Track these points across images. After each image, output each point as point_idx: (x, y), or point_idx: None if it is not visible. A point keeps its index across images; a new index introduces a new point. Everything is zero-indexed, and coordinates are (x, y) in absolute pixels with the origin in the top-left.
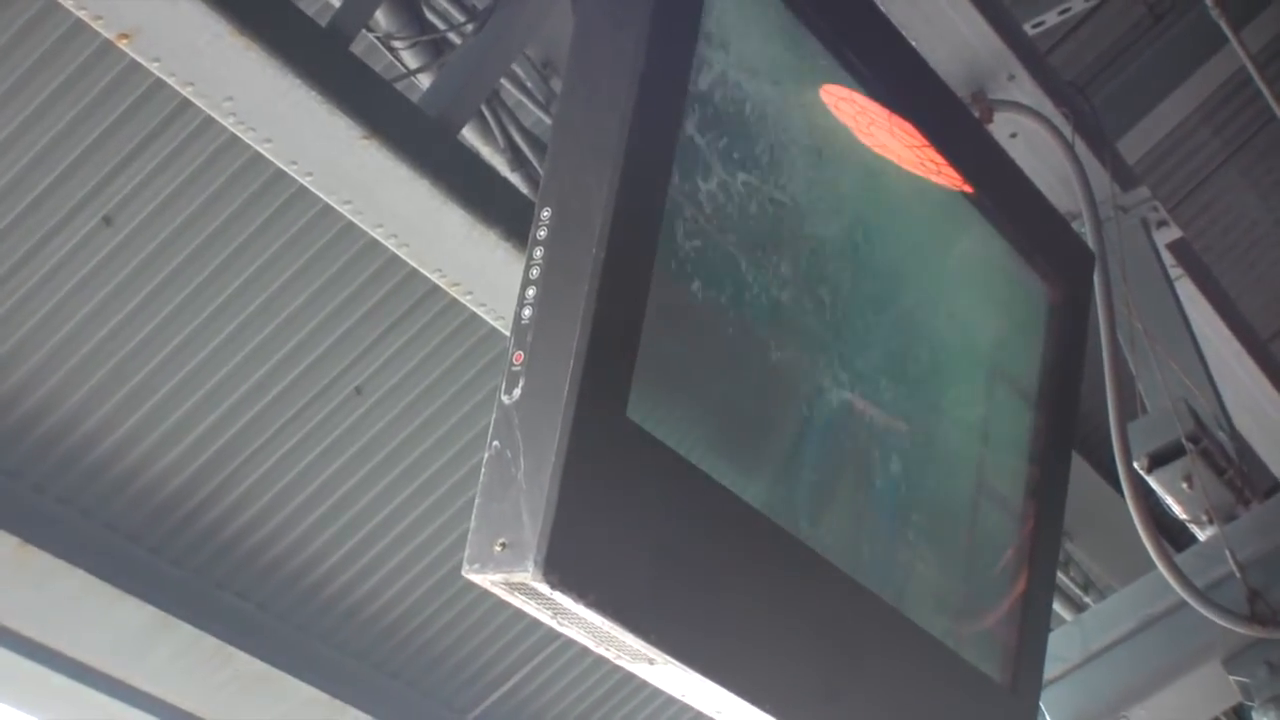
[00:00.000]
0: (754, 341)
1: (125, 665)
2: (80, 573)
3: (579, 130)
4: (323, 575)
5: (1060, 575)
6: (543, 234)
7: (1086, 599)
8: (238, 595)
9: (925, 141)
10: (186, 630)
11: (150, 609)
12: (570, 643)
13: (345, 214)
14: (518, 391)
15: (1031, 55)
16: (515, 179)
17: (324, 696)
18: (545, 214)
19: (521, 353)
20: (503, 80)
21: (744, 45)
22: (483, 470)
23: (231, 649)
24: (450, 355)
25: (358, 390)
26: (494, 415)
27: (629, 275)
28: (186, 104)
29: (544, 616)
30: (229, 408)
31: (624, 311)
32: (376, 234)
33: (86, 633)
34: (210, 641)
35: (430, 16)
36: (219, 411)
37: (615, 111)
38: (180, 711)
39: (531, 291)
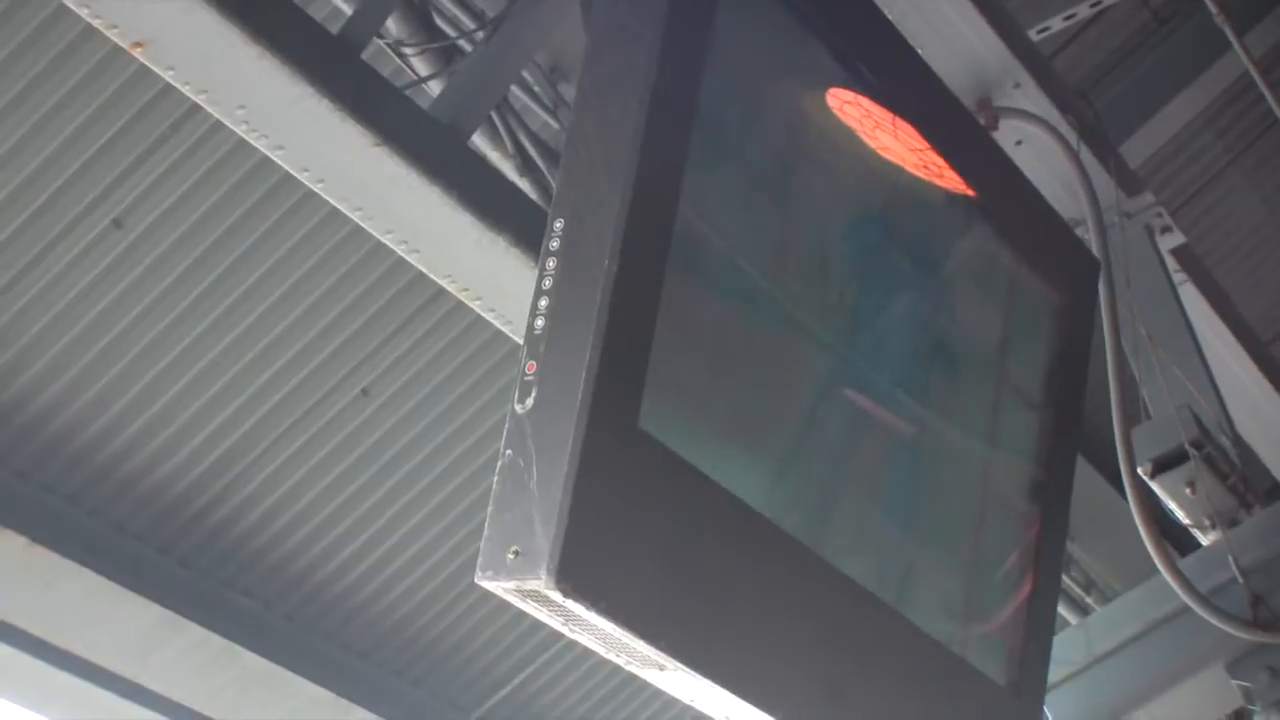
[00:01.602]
0: (764, 349)
1: (133, 664)
2: (88, 573)
3: (592, 142)
4: (329, 575)
5: (1064, 576)
6: (555, 245)
7: (1089, 599)
8: (245, 594)
9: (930, 146)
10: (194, 630)
11: (158, 609)
12: (573, 644)
13: (355, 220)
14: (531, 401)
15: (1037, 63)
16: (524, 184)
17: (329, 696)
18: (558, 225)
19: (534, 363)
20: (512, 87)
21: (752, 52)
22: (495, 479)
23: (238, 648)
24: (457, 357)
25: (364, 392)
26: (507, 425)
27: (641, 287)
28: (196, 109)
29: (556, 623)
30: (237, 408)
31: (636, 323)
32: (387, 240)
33: (94, 632)
34: (217, 641)
35: (440, 23)
36: (227, 412)
37: (628, 124)
38: (187, 710)
39: (544, 302)
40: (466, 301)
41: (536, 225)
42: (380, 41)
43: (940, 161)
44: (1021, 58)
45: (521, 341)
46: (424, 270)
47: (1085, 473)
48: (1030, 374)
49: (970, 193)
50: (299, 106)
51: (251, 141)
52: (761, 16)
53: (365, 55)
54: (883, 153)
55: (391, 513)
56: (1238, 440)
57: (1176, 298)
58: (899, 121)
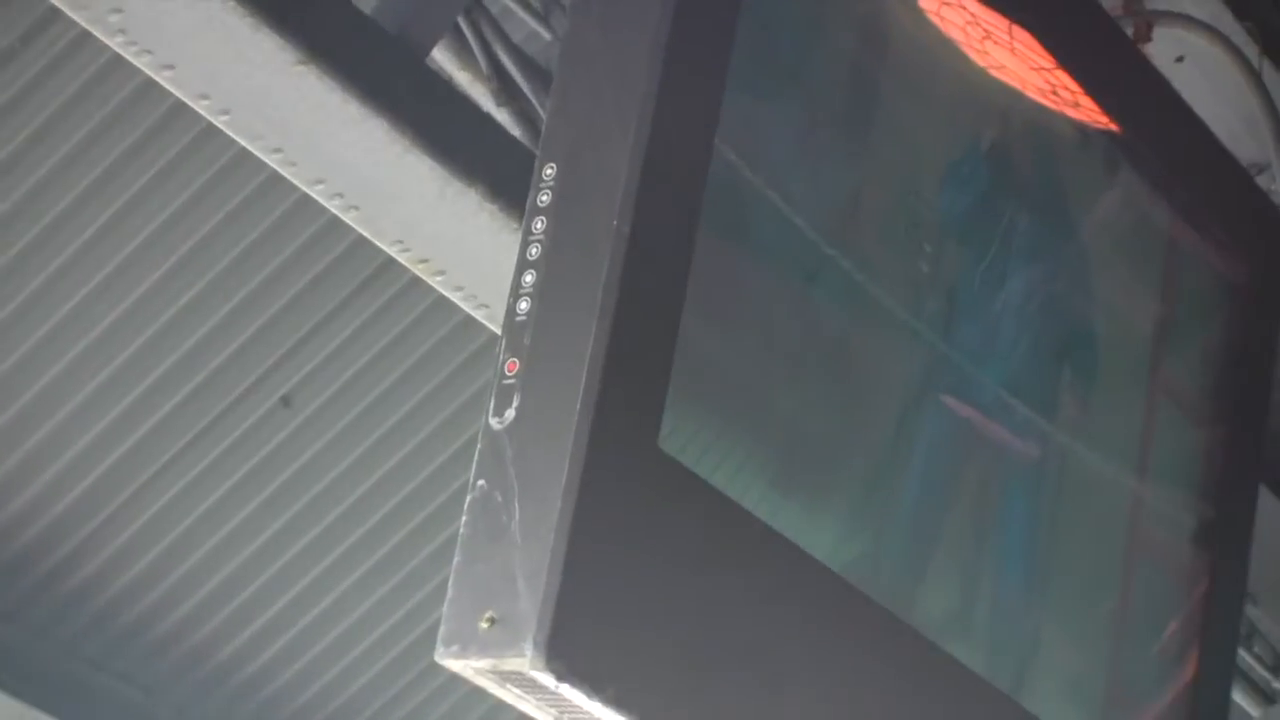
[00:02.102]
0: (830, 341)
1: None
2: None
3: (596, 57)
4: (235, 655)
5: (1242, 653)
6: (545, 199)
7: (1276, 684)
8: (120, 679)
9: (1059, 64)
10: None
11: (7, 700)
12: None
13: (273, 165)
14: (511, 413)
15: None
16: (503, 116)
17: None
18: (549, 172)
19: (516, 360)
20: None
21: None
22: (464, 519)
23: None
24: (411, 353)
25: (285, 401)
26: (479, 445)
27: (663, 255)
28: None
29: (545, 716)
30: (106, 428)
31: (656, 305)
32: (315, 193)
33: None
34: None
35: None
36: (92, 433)
37: (645, 28)
38: None
39: (530, 277)
40: (424, 276)
41: (519, 172)
42: None
43: (1073, 85)
44: None
45: (499, 331)
46: (366, 234)
47: (1271, 509)
48: (1196, 377)
49: (1114, 128)
50: (195, 10)
51: (130, 58)
52: None
53: None
54: (994, 72)
55: (321, 568)
56: None
57: None
58: (1016, 29)
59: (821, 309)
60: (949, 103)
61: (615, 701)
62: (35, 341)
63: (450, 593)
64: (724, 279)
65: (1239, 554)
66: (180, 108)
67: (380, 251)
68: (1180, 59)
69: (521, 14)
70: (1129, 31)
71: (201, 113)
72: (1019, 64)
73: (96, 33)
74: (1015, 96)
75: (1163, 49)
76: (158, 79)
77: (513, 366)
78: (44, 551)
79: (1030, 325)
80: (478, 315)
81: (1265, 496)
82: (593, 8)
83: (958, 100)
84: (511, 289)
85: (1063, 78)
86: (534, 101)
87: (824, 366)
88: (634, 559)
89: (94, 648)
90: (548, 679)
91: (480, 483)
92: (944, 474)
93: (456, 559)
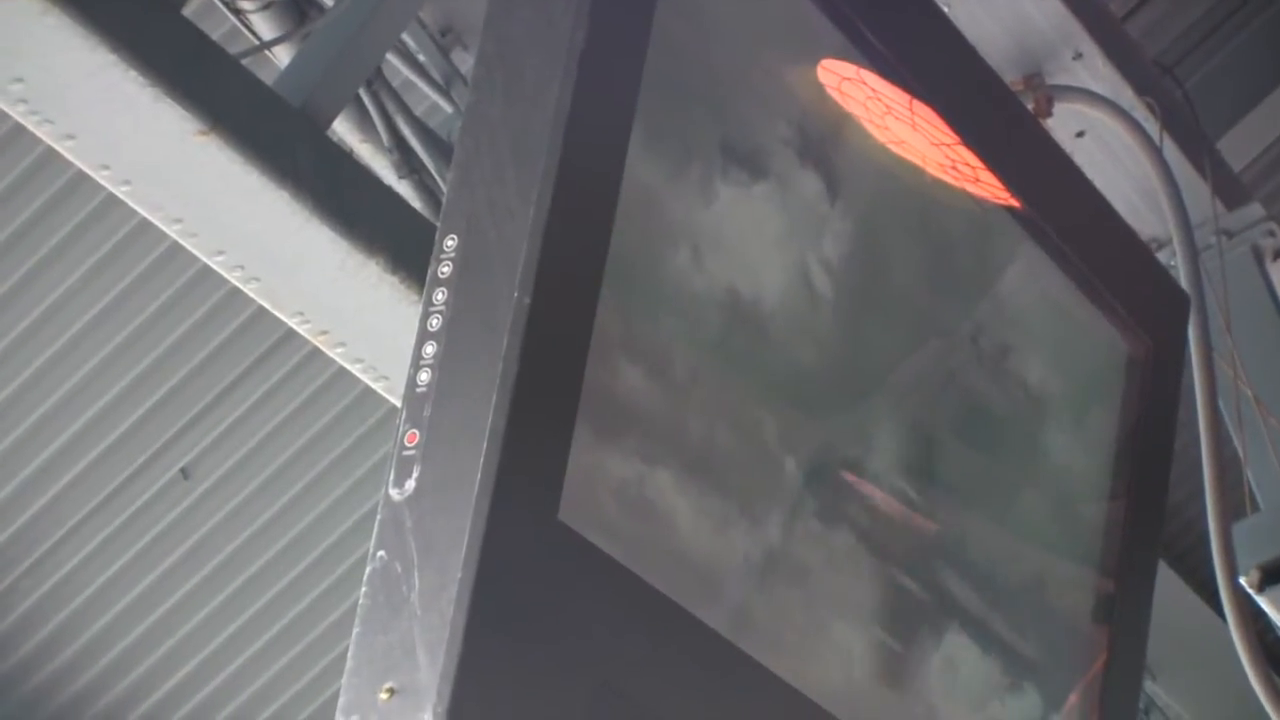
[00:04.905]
0: (733, 413)
1: None
2: None
3: (497, 129)
4: None
5: None
6: (446, 271)
7: None
8: None
9: (960, 139)
10: None
11: None
12: None
13: (174, 235)
14: (411, 484)
15: (1105, 26)
16: (404, 188)
17: None
18: (450, 244)
19: (416, 431)
20: (389, 55)
21: (716, 8)
22: (364, 590)
23: None
24: (311, 425)
25: (184, 473)
26: (380, 516)
27: (564, 326)
28: None
29: None
30: (5, 498)
31: (557, 375)
32: (216, 263)
33: None
34: None
35: None
36: None
37: (547, 101)
38: None
39: (430, 348)
40: (325, 348)
41: (420, 245)
42: None
43: (974, 159)
44: (1084, 18)
45: (399, 403)
46: (267, 305)
47: (1171, 585)
48: (1096, 451)
49: (1014, 202)
50: (97, 79)
51: (32, 128)
52: None
53: (189, 11)
54: (894, 148)
55: (222, 639)
56: None
57: None
58: (918, 105)
59: (726, 378)
60: (849, 178)
61: None
62: None
63: (350, 664)
64: (626, 348)
65: (1138, 629)
66: (81, 178)
67: (281, 323)
68: (1081, 134)
69: (423, 86)
70: (1030, 106)
71: (102, 183)
72: (920, 139)
73: None
74: (915, 172)
75: (1063, 124)
76: (59, 148)
77: (413, 438)
78: None
79: (928, 401)
80: (377, 387)
81: (1163, 571)
82: (495, 80)
83: (857, 176)
84: (412, 360)
85: (964, 153)
86: (435, 174)
87: (730, 441)
88: (534, 630)
89: None
90: None
91: (380, 554)
92: (842, 547)
93: (356, 629)
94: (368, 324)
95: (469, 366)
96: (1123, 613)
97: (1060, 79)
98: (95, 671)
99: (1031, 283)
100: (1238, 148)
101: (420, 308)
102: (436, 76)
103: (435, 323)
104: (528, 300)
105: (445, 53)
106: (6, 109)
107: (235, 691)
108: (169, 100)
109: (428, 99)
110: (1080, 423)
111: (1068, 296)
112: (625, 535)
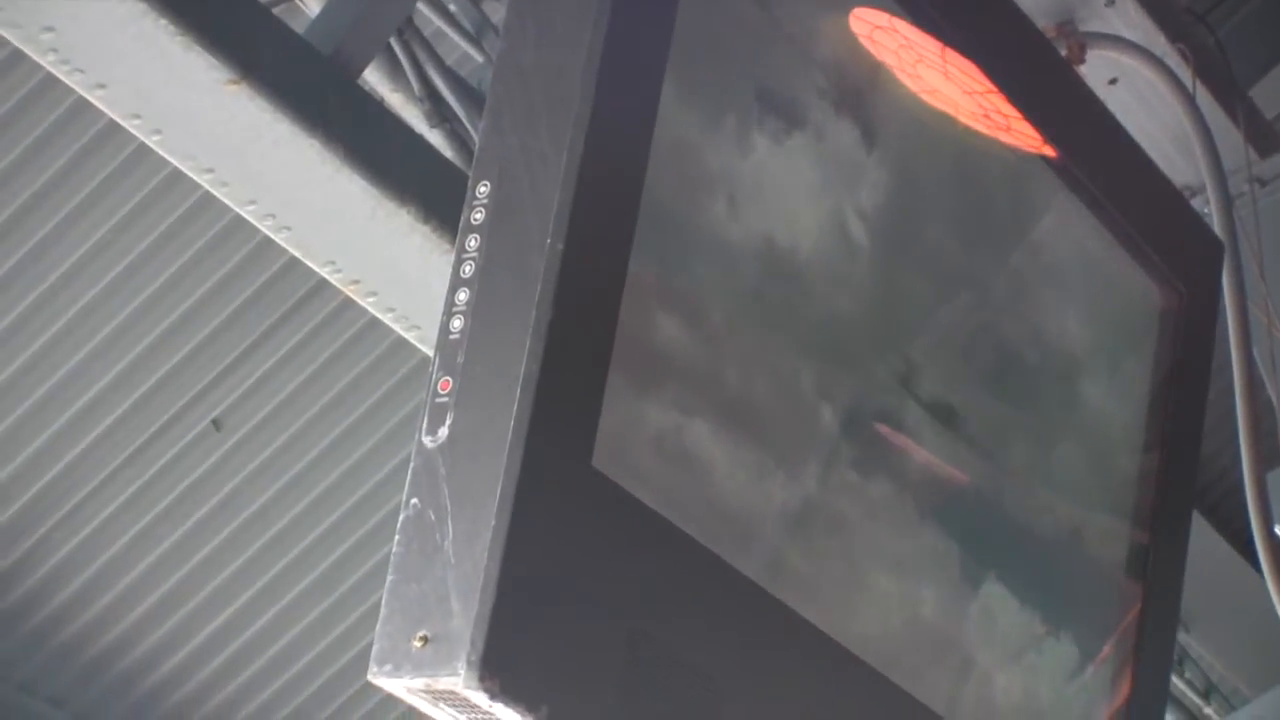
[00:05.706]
0: (769, 362)
1: None
2: None
3: (529, 76)
4: (161, 682)
5: (1174, 679)
6: (479, 217)
7: (1207, 709)
8: (50, 702)
9: (993, 87)
10: None
11: None
12: None
13: (205, 185)
14: (444, 431)
15: None
16: (435, 137)
17: None
18: (483, 190)
19: (449, 379)
20: (419, 4)
21: None
22: (397, 539)
23: None
24: (343, 375)
25: (215, 424)
26: (412, 464)
27: (597, 273)
28: None
29: None
30: (37, 451)
31: (591, 323)
32: (247, 214)
33: None
34: None
35: None
36: (22, 458)
37: (579, 46)
38: None
39: (463, 295)
40: (356, 298)
41: (452, 194)
42: None
43: (1007, 108)
44: None
45: (432, 351)
46: (298, 255)
47: (1204, 535)
48: (1129, 402)
49: (1048, 151)
50: (127, 30)
51: (63, 78)
52: None
53: None
54: (927, 97)
55: (254, 591)
56: None
57: None
58: (950, 53)
59: (760, 327)
60: (882, 126)
61: None
62: None
63: (383, 612)
64: (660, 296)
65: (1172, 580)
66: (112, 130)
67: (312, 274)
68: (1114, 81)
69: (454, 36)
70: (1063, 53)
71: (134, 132)
72: (952, 88)
73: (28, 51)
74: (948, 120)
75: (1096, 71)
76: (90, 98)
77: (446, 385)
78: None
79: (966, 349)
80: (409, 337)
81: (1198, 521)
82: (527, 27)
83: (890, 124)
84: (445, 307)
85: (997, 101)
86: (466, 123)
87: (762, 390)
88: (568, 577)
89: (24, 672)
90: (481, 698)
91: (414, 501)
92: (875, 496)
93: (390, 578)
94: (399, 273)
95: (502, 313)
96: (1157, 563)
97: (1093, 26)
98: (127, 623)
99: (1065, 232)
100: (1271, 95)
101: (453, 255)
102: (467, 26)
103: (468, 269)
104: (560, 246)
105: (476, 2)
106: (37, 58)
107: (268, 644)
108: (199, 49)
109: (459, 48)
110: (1114, 373)
111: (1101, 245)
112: (660, 483)
